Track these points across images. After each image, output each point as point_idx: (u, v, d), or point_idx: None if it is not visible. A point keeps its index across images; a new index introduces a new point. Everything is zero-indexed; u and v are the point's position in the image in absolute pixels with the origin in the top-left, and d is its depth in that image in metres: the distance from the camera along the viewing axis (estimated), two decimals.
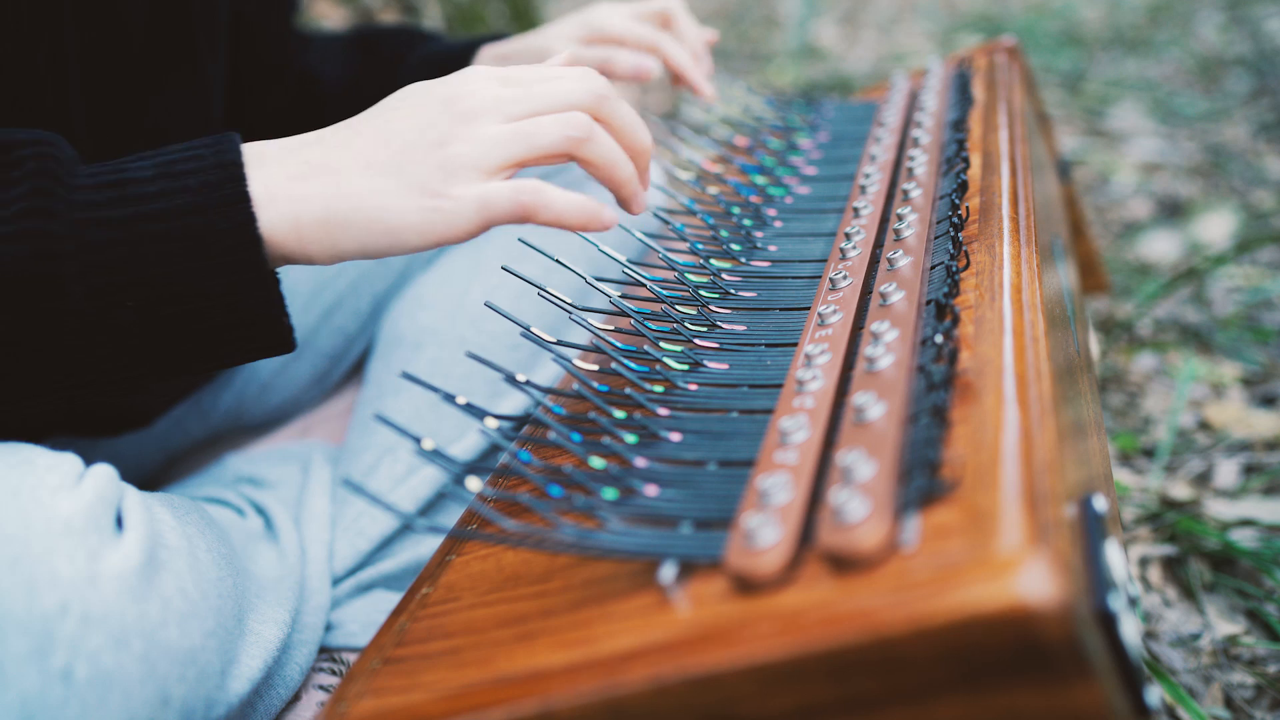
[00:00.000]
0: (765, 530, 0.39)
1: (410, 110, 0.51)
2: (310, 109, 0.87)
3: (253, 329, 0.49)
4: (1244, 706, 0.71)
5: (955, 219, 0.58)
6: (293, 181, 0.48)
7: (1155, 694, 0.36)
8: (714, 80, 0.85)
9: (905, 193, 0.66)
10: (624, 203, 0.55)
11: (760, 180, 0.77)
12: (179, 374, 0.50)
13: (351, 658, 0.67)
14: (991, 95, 0.79)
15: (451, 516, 0.74)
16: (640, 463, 0.48)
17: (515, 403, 0.76)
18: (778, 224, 0.71)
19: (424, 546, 0.72)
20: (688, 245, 0.66)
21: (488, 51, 0.82)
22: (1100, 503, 0.40)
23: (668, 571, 0.41)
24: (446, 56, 0.83)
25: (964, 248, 0.56)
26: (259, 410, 0.88)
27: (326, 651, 0.67)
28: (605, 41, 0.79)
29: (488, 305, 0.56)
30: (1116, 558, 0.37)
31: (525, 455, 0.52)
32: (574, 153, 0.51)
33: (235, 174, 0.47)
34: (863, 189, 0.71)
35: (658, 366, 0.55)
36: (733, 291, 0.63)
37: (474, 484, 0.48)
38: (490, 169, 0.49)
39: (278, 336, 0.50)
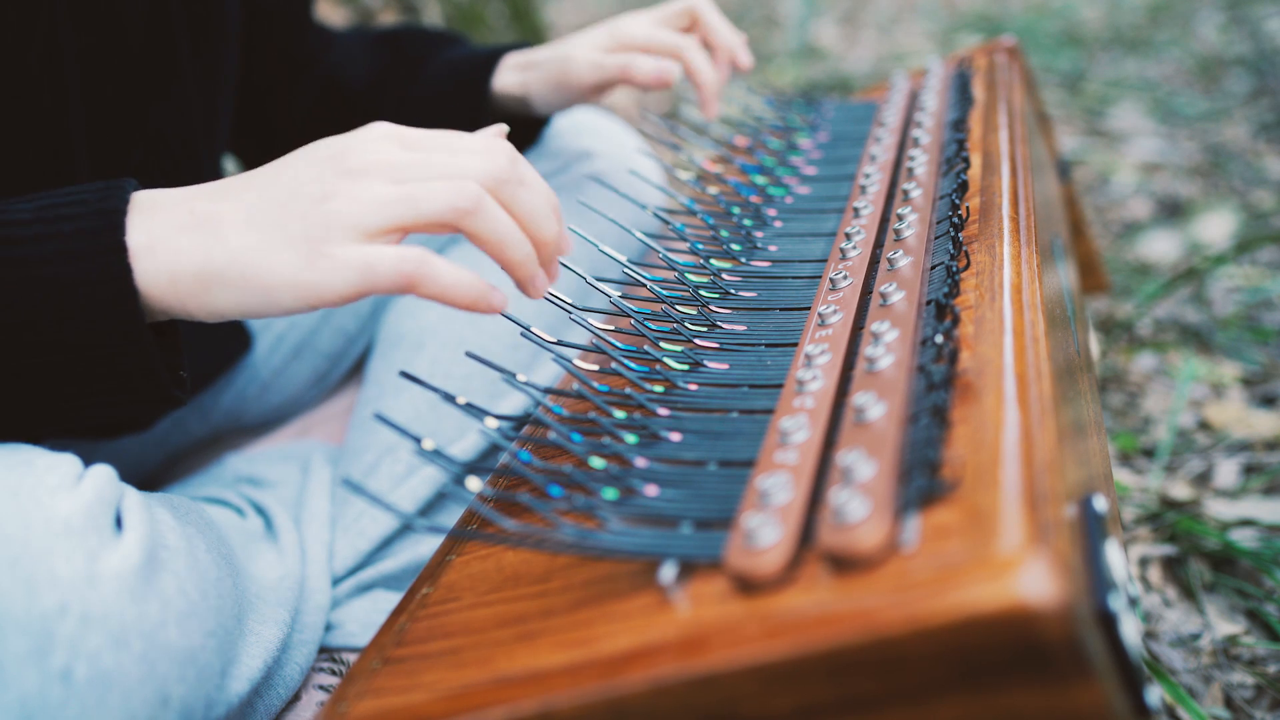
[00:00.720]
0: (765, 530, 0.39)
1: (301, 163, 0.49)
2: (334, 109, 0.86)
3: (128, 383, 0.47)
4: (1244, 706, 0.71)
5: (955, 219, 0.58)
6: (175, 233, 0.46)
7: (1155, 694, 0.36)
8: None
9: (905, 193, 0.66)
10: (520, 285, 0.51)
11: (760, 180, 0.77)
12: (51, 427, 0.48)
13: (351, 658, 0.67)
14: (991, 95, 0.79)
15: (451, 516, 0.74)
16: (640, 463, 0.48)
17: (515, 403, 0.76)
18: (778, 224, 0.71)
19: (424, 546, 0.72)
20: (688, 245, 0.66)
21: (512, 59, 0.82)
22: (1100, 503, 0.40)
23: (668, 571, 0.41)
24: (470, 61, 0.83)
25: (964, 248, 0.56)
26: (259, 410, 0.88)
27: (326, 651, 0.67)
28: (628, 49, 0.79)
29: None
30: (1116, 558, 0.37)
31: (525, 455, 0.52)
32: (459, 224, 0.48)
33: (115, 222, 0.45)
34: (863, 189, 0.71)
35: (658, 366, 0.55)
36: (733, 291, 0.63)
37: (474, 484, 0.48)
38: (370, 230, 0.46)
39: (156, 391, 0.48)
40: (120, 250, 0.45)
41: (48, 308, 0.44)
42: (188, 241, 0.46)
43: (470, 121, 0.81)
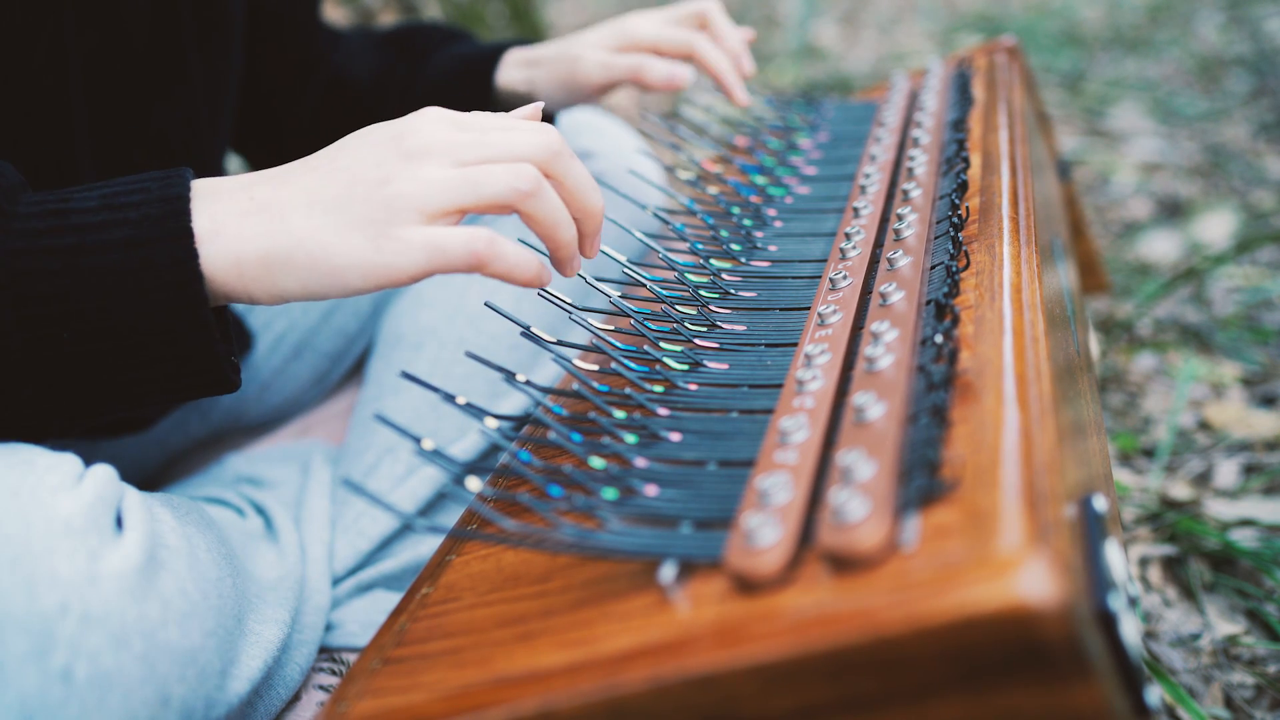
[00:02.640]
0: (765, 530, 0.39)
1: (359, 147, 0.50)
2: (340, 106, 0.86)
3: (189, 368, 0.48)
4: (1244, 706, 0.71)
5: (955, 219, 0.58)
6: (239, 218, 0.47)
7: (1155, 694, 0.36)
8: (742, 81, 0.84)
9: (905, 193, 0.66)
10: (559, 264, 0.53)
11: (760, 180, 0.77)
12: (106, 413, 0.49)
13: (351, 658, 0.67)
14: (991, 95, 0.79)
15: (451, 516, 0.74)
16: (640, 463, 0.48)
17: (515, 403, 0.76)
18: (778, 224, 0.71)
19: (424, 546, 0.72)
20: (688, 245, 0.66)
21: (515, 55, 0.81)
22: (1100, 503, 0.40)
23: (668, 571, 0.41)
24: (473, 57, 0.82)
25: (964, 248, 0.56)
26: (259, 410, 0.88)
27: (326, 651, 0.67)
28: (637, 49, 0.78)
29: (488, 305, 0.56)
30: (1116, 558, 0.37)
31: (525, 455, 0.52)
32: (518, 206, 0.49)
33: (179, 208, 0.46)
34: (863, 189, 0.71)
35: (658, 366, 0.55)
36: (733, 291, 0.63)
37: (474, 484, 0.48)
38: (432, 212, 0.48)
39: (215, 377, 0.49)
40: (186, 235, 0.45)
41: (115, 293, 0.45)
42: (251, 226, 0.47)
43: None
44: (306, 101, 0.86)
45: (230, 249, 0.46)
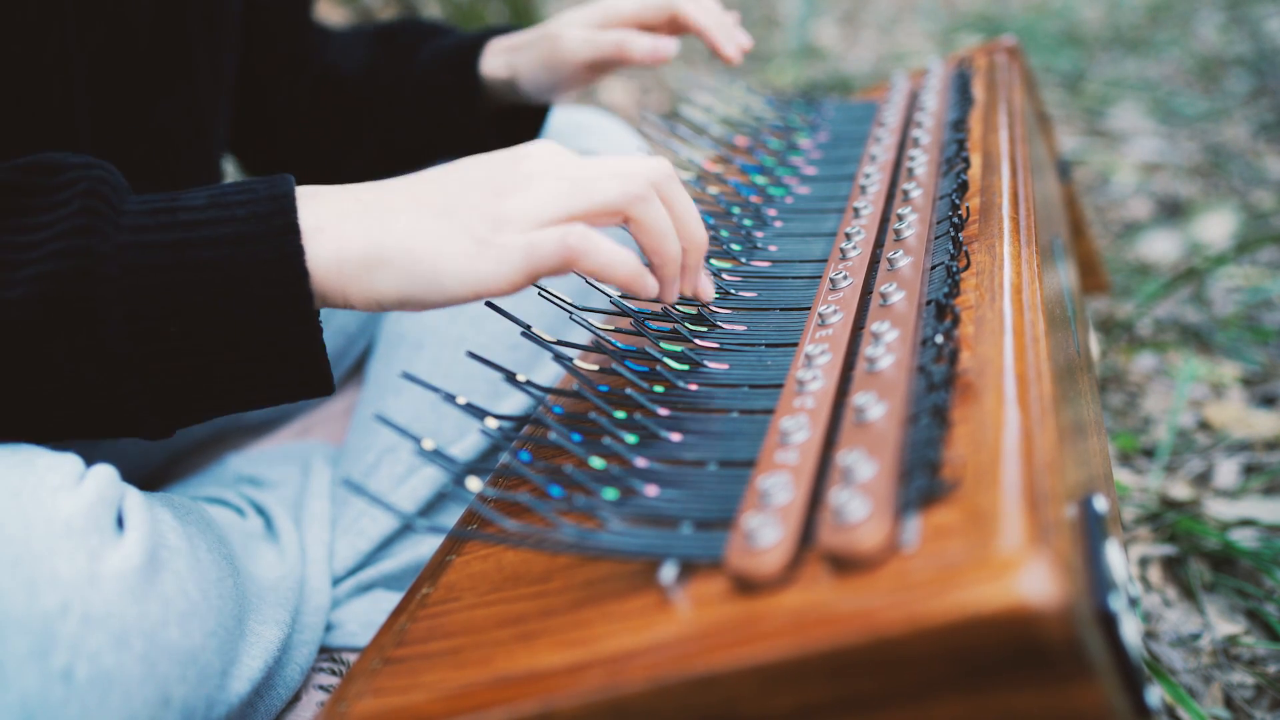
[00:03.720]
0: (766, 530, 0.39)
1: (475, 164, 0.51)
2: (329, 102, 0.86)
3: (290, 364, 0.48)
4: (1244, 706, 0.71)
5: (955, 219, 0.58)
6: (342, 218, 0.47)
7: (1155, 694, 0.36)
8: (716, 79, 0.83)
9: (905, 193, 0.66)
10: (663, 281, 0.52)
11: (760, 180, 0.77)
12: (206, 413, 0.49)
13: (351, 658, 0.67)
14: (991, 95, 0.79)
15: (452, 516, 0.74)
16: (640, 463, 0.48)
17: (515, 403, 0.76)
18: (778, 224, 0.71)
19: (424, 546, 0.72)
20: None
21: (497, 44, 0.81)
22: (1100, 503, 0.40)
23: (668, 571, 0.41)
24: (458, 48, 0.82)
25: (964, 248, 0.56)
26: (259, 410, 0.88)
27: (326, 651, 0.67)
28: (620, 23, 0.77)
29: (488, 305, 0.56)
30: (1116, 558, 0.37)
31: (525, 455, 0.52)
32: (629, 211, 0.50)
33: (286, 205, 0.46)
34: (863, 189, 0.71)
35: (658, 366, 0.55)
36: (733, 291, 0.63)
37: (474, 484, 0.48)
38: (543, 221, 0.48)
39: (316, 376, 0.49)
40: (293, 230, 0.46)
41: (221, 288, 0.45)
42: (355, 225, 0.47)
43: (462, 106, 0.80)
44: (297, 97, 0.87)
45: (333, 246, 0.47)
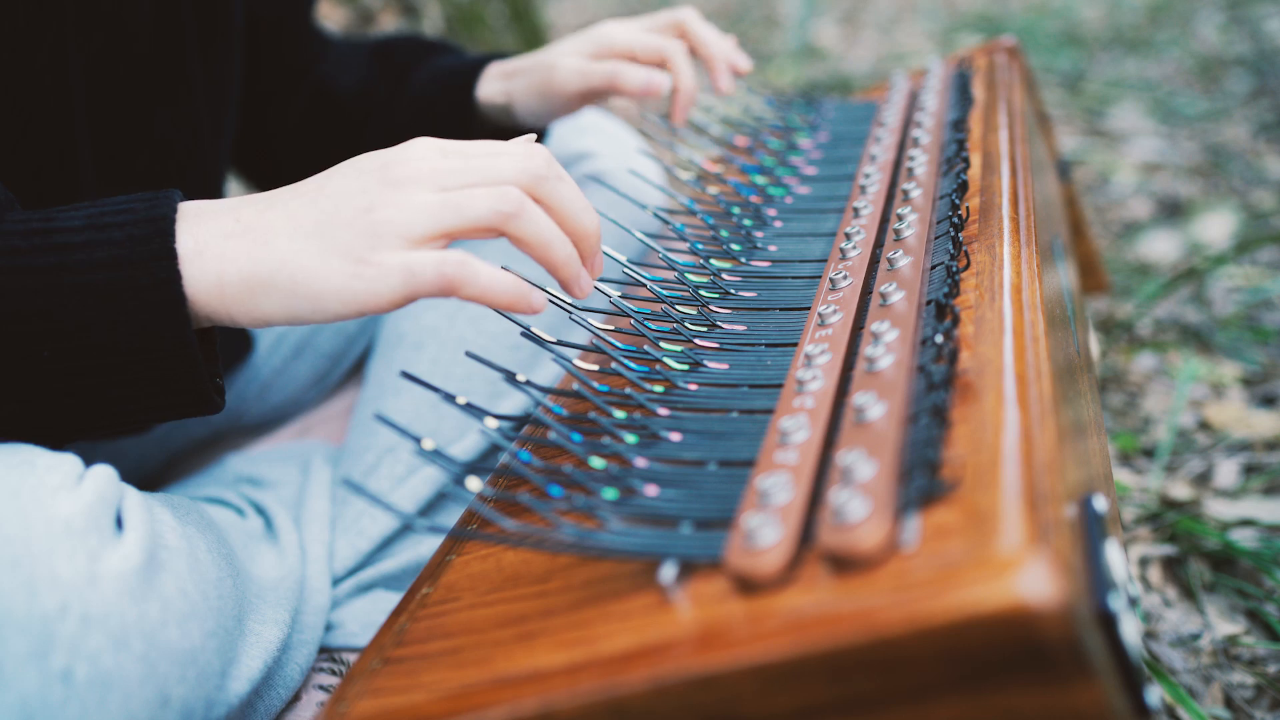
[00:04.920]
0: (765, 530, 0.39)
1: (345, 175, 0.49)
2: (324, 116, 0.86)
3: (171, 388, 0.48)
4: (1244, 706, 0.71)
5: (955, 219, 0.58)
6: (222, 239, 0.47)
7: (1155, 694, 0.36)
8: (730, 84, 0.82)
9: (905, 193, 0.66)
10: (564, 285, 0.52)
11: (760, 180, 0.77)
12: (90, 432, 0.49)
13: (351, 658, 0.67)
14: (991, 95, 0.79)
15: (451, 516, 0.74)
16: (640, 463, 0.48)
17: (515, 403, 0.76)
18: (778, 224, 0.71)
19: (424, 546, 0.72)
20: (688, 245, 0.66)
21: (494, 69, 0.80)
22: (1100, 503, 0.40)
23: (668, 571, 0.41)
24: (453, 70, 0.82)
25: (964, 248, 0.56)
26: (259, 410, 0.88)
27: (326, 651, 0.67)
28: (614, 55, 0.77)
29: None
30: (1116, 558, 0.37)
31: (525, 455, 0.52)
32: (503, 228, 0.49)
33: (164, 229, 0.46)
34: (863, 189, 0.71)
35: (658, 366, 0.55)
36: (733, 291, 0.63)
37: (474, 484, 0.48)
38: (416, 237, 0.47)
39: (198, 397, 0.49)
40: (170, 256, 0.46)
41: (98, 313, 0.45)
42: (235, 247, 0.47)
43: (455, 129, 0.79)
44: (294, 109, 0.86)
45: (213, 270, 0.46)
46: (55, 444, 0.48)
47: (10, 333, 0.44)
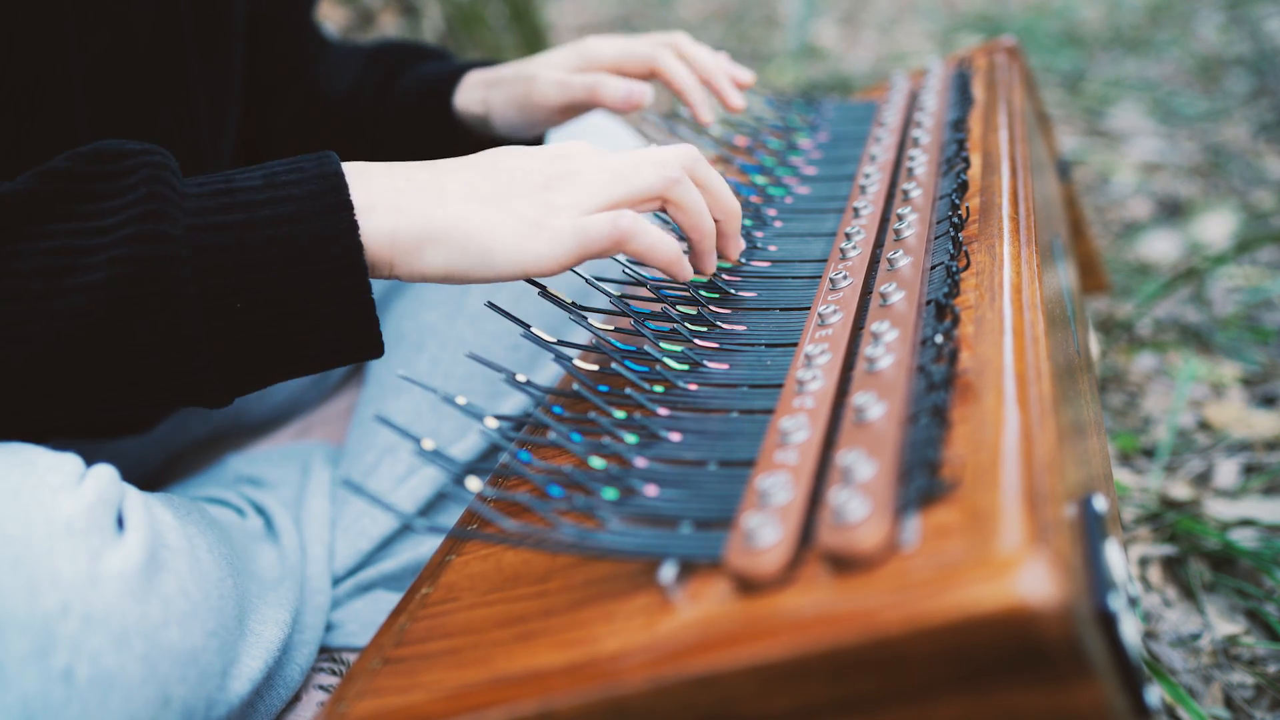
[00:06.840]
0: (765, 530, 0.39)
1: (518, 155, 0.54)
2: (313, 120, 0.85)
3: (346, 332, 0.50)
4: (1244, 706, 0.71)
5: (955, 219, 0.58)
6: (396, 195, 0.50)
7: (1155, 694, 0.36)
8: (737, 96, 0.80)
9: (905, 193, 0.66)
10: (697, 256, 0.58)
11: (760, 180, 0.77)
12: (267, 381, 0.51)
13: (351, 658, 0.67)
14: (991, 95, 0.79)
15: (451, 516, 0.74)
16: (640, 463, 0.48)
17: (515, 403, 0.76)
18: (778, 224, 0.71)
19: (424, 546, 0.72)
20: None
21: (475, 76, 0.78)
22: (1100, 503, 0.40)
23: (668, 571, 0.41)
24: (434, 78, 0.79)
25: (964, 248, 0.56)
26: (259, 410, 0.88)
27: (326, 651, 0.67)
28: (597, 69, 0.75)
29: (488, 305, 0.56)
30: (1116, 558, 0.37)
31: (525, 455, 0.52)
32: (667, 194, 0.54)
33: (338, 184, 0.49)
34: (863, 189, 0.71)
35: (658, 366, 0.56)
36: (733, 292, 0.63)
37: (474, 484, 0.48)
38: (589, 208, 0.52)
39: (369, 340, 0.51)
40: (348, 208, 0.48)
41: (283, 265, 0.47)
42: (410, 202, 0.50)
43: (436, 138, 0.78)
44: (284, 111, 0.85)
45: (387, 223, 0.49)
46: (229, 398, 0.50)
47: (207, 287, 0.46)
